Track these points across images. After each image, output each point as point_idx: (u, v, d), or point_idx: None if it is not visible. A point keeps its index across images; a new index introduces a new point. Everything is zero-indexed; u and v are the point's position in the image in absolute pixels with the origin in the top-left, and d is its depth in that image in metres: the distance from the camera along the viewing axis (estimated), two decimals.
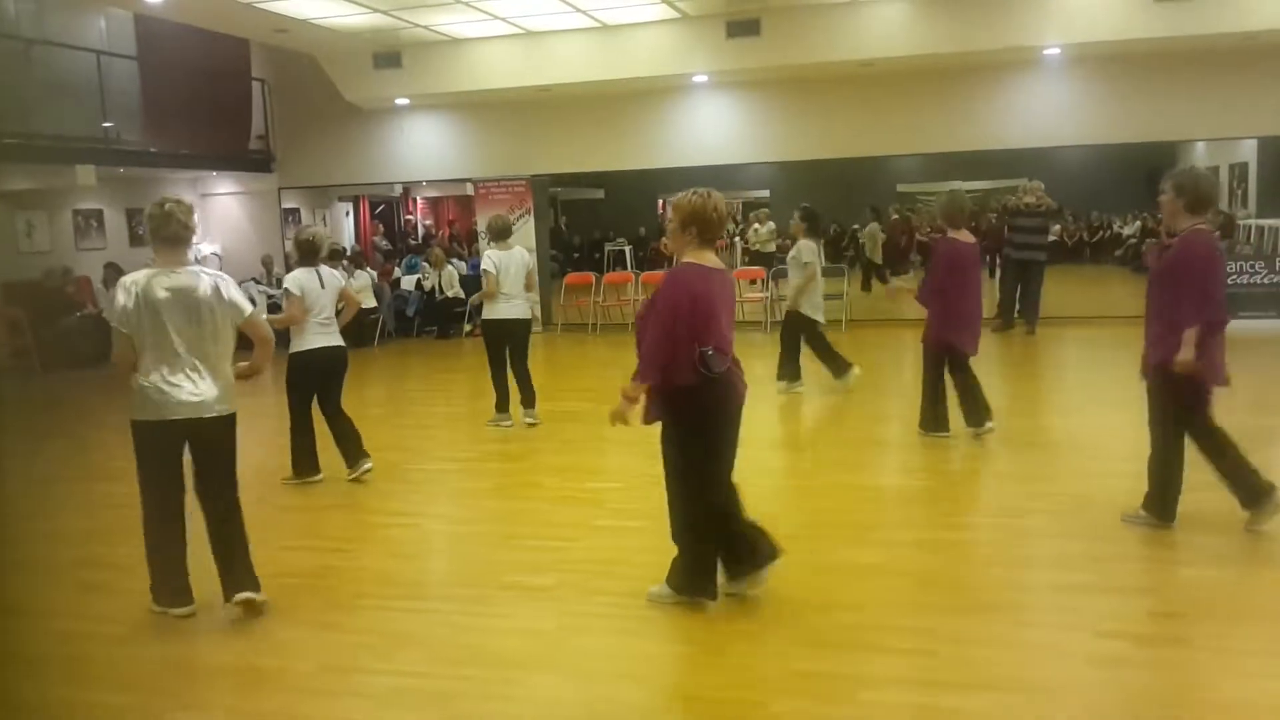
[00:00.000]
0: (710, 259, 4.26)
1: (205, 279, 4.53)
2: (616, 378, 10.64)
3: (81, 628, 4.59)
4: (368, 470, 6.82)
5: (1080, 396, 9.12)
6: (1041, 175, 20.89)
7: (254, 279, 15.39)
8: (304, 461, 6.87)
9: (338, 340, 6.84)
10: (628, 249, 19.42)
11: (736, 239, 20.87)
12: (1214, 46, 11.99)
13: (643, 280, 15.20)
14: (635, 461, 7.55)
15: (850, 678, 3.77)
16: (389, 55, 13.77)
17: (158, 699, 3.88)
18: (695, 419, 4.23)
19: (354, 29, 12.75)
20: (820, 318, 9.18)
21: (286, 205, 16.89)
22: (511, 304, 8.13)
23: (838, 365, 9.19)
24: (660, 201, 26.01)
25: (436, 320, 15.23)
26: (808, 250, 9.04)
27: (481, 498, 6.56)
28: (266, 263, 15.70)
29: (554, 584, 4.82)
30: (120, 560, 5.54)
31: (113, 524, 6.20)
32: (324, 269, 6.87)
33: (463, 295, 14.89)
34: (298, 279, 6.69)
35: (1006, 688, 3.68)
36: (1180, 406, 5.05)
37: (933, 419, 7.33)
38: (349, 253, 16.41)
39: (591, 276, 15.84)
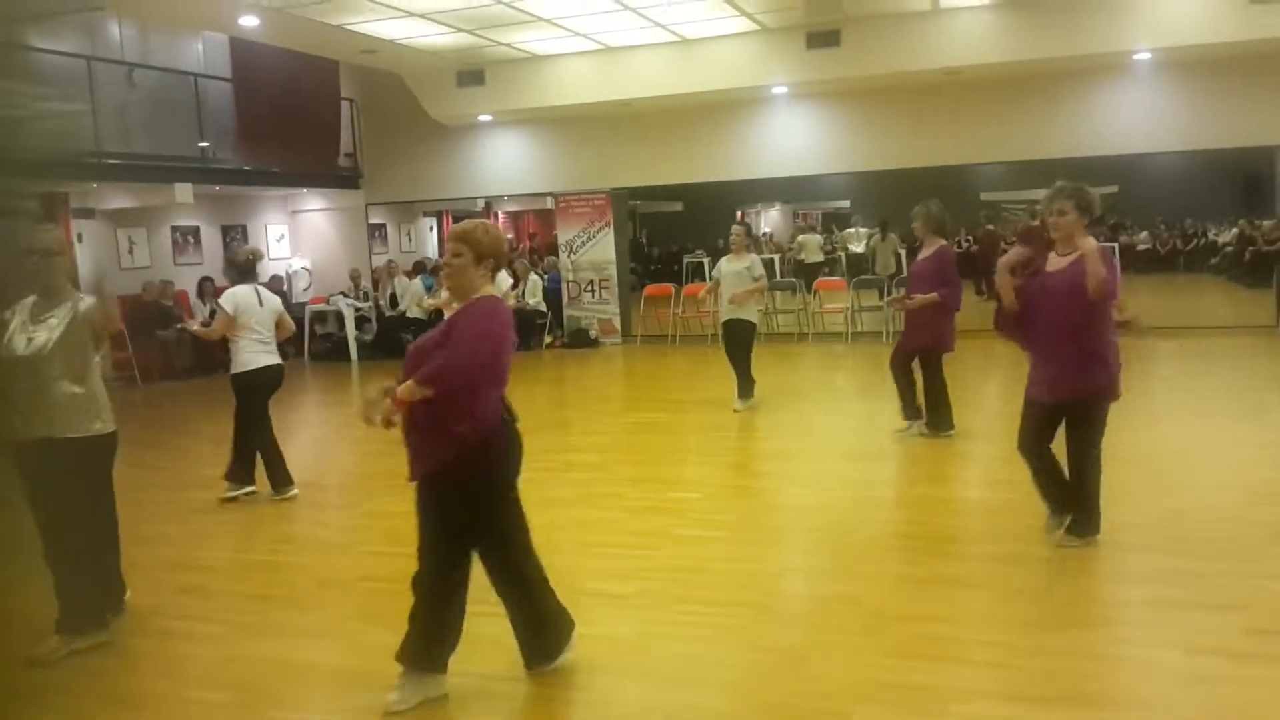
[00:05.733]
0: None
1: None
2: (696, 387, 10.73)
3: (180, 627, 4.77)
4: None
5: (1173, 408, 8.87)
6: (1132, 182, 20.48)
7: (342, 293, 15.83)
8: (244, 473, 6.91)
9: (278, 359, 6.91)
10: (706, 260, 19.46)
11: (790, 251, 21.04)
12: None
13: None
14: (715, 472, 7.58)
15: (936, 689, 3.73)
16: (472, 73, 14.05)
17: (252, 697, 4.01)
18: (489, 468, 3.75)
19: (439, 48, 13.05)
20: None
21: (373, 221, 17.32)
22: None
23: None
24: (739, 213, 26.02)
25: (519, 331, 15.39)
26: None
27: (562, 506, 6.62)
28: (354, 277, 16.10)
29: (635, 592, 4.86)
30: (216, 563, 5.78)
31: (207, 529, 6.46)
32: (263, 289, 6.95)
33: (544, 308, 15.08)
34: (235, 296, 6.69)
35: (1096, 704, 3.61)
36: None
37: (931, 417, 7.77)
38: (430, 267, 16.71)
39: (671, 288, 15.90)
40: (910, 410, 7.80)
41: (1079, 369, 4.90)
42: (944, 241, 7.70)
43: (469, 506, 3.73)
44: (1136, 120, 12.92)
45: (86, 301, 4.49)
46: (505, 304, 3.87)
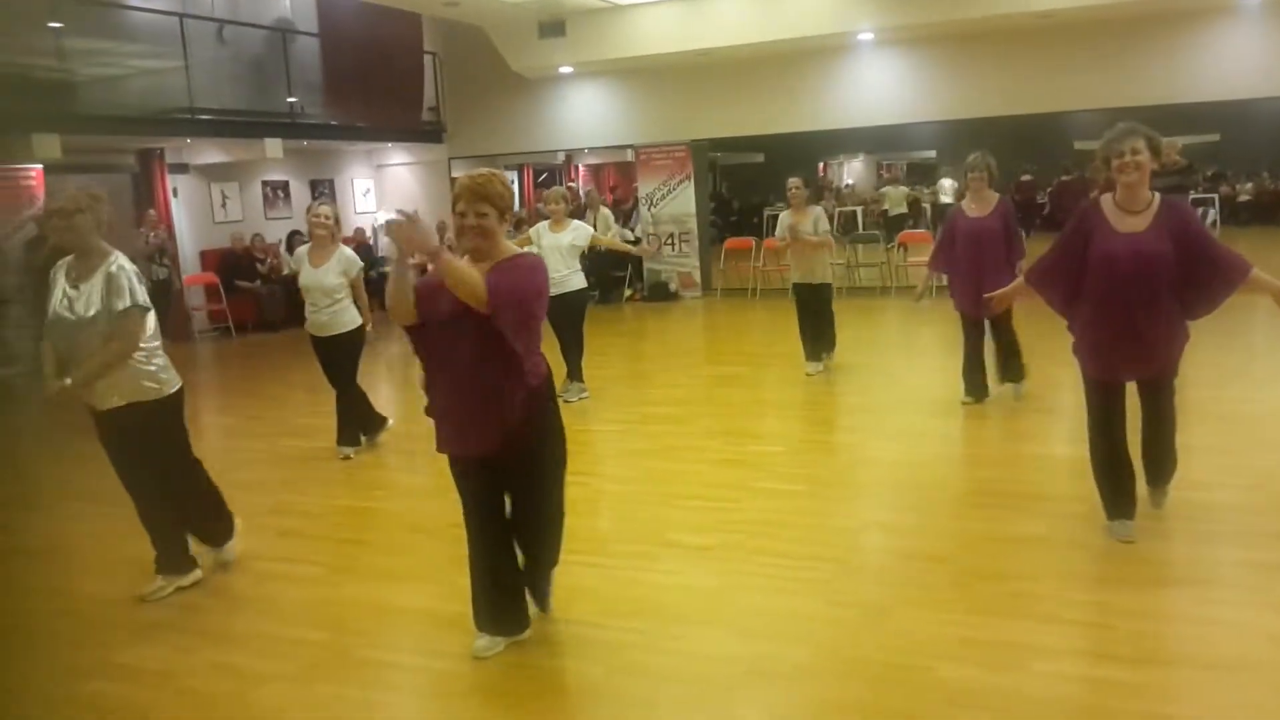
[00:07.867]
0: None
1: None
2: (777, 341, 10.65)
3: (278, 569, 4.96)
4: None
5: (1270, 367, 8.56)
6: (1236, 130, 19.58)
7: None
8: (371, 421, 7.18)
9: None
10: (783, 214, 19.24)
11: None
12: None
13: None
14: (796, 426, 7.57)
15: (1021, 647, 3.71)
16: (553, 24, 14.00)
17: (349, 637, 4.16)
18: (557, 408, 3.86)
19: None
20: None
21: (456, 174, 17.45)
22: None
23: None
24: (821, 165, 25.61)
25: (598, 285, 15.48)
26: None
27: (645, 458, 6.69)
28: (440, 229, 16.28)
29: (716, 544, 4.91)
30: (311, 509, 5.97)
31: (302, 475, 6.67)
32: None
33: None
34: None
35: (1186, 664, 3.55)
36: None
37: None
38: (514, 221, 16.84)
39: (751, 241, 15.78)
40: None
41: (1171, 337, 4.42)
42: (998, 195, 7.19)
43: (560, 446, 3.86)
44: (1242, 64, 12.33)
45: (119, 263, 4.37)
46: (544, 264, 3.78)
